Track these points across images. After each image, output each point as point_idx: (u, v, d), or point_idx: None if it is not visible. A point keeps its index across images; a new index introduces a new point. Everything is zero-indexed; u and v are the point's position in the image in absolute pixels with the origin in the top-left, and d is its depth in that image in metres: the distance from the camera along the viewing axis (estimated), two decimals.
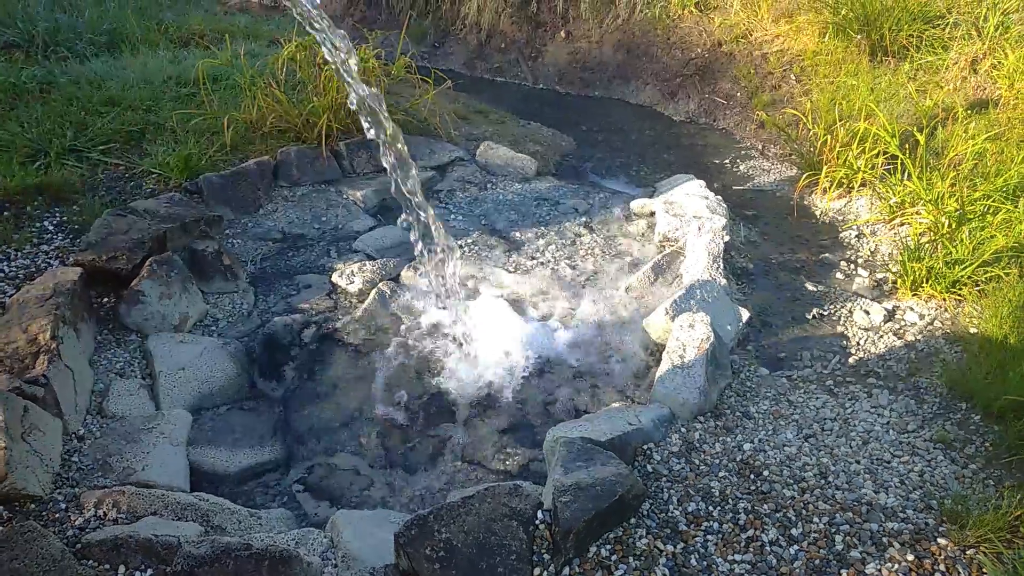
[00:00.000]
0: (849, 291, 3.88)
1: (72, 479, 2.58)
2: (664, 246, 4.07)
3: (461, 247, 4.06)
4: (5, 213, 3.86)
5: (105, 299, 3.41)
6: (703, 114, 6.40)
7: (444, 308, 3.50)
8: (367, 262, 3.82)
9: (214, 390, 3.11)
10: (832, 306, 3.74)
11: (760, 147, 5.80)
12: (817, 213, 4.75)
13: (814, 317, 3.67)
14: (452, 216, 4.37)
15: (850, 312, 3.67)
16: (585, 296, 3.72)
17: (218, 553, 2.13)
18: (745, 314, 3.46)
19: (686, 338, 3.03)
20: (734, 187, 5.19)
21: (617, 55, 7.03)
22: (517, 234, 4.21)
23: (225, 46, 5.45)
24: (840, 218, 4.63)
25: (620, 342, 3.42)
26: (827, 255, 4.23)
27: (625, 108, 6.69)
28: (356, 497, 2.77)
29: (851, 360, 3.34)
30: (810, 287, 3.90)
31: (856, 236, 4.39)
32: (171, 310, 3.33)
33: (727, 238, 3.99)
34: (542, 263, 3.97)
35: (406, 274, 3.78)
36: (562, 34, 7.43)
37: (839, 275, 4.04)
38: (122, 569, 2.19)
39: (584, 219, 4.37)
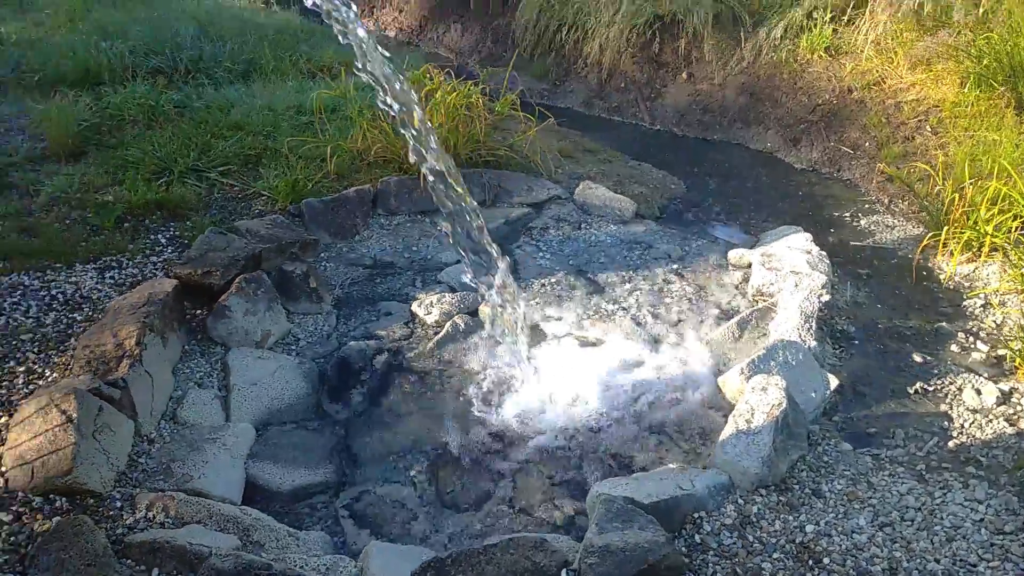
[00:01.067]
0: (962, 366, 3.53)
1: (135, 479, 2.71)
2: (757, 300, 3.87)
3: (542, 286, 4.02)
4: (125, 225, 4.17)
5: (198, 311, 3.60)
6: (826, 163, 6.09)
7: (514, 347, 3.45)
8: (447, 294, 3.85)
9: (283, 407, 3.20)
10: (939, 381, 3.42)
11: (886, 201, 5.45)
12: (940, 277, 4.38)
13: (916, 392, 3.36)
14: (540, 254, 4.34)
15: (959, 390, 3.34)
16: (662, 347, 3.58)
17: (240, 569, 2.16)
18: (834, 381, 3.22)
19: (756, 402, 2.85)
20: (851, 243, 4.88)
21: (739, 99, 6.84)
22: (603, 277, 4.13)
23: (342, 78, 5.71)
24: (966, 284, 4.26)
25: (692, 398, 3.26)
26: (943, 324, 3.88)
27: (743, 153, 6.47)
28: (398, 529, 2.76)
29: (951, 444, 3.03)
30: (917, 358, 3.58)
31: (981, 306, 4.01)
32: (255, 326, 3.47)
33: (826, 297, 3.75)
34: (623, 308, 3.86)
35: (484, 309, 3.77)
36: (684, 75, 7.32)
37: (954, 347, 3.69)
38: (156, 572, 2.27)
39: (676, 266, 4.23)
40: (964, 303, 4.08)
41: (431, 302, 3.78)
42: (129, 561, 2.30)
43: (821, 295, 3.72)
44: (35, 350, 3.15)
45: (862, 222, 5.16)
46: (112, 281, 3.70)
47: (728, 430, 2.80)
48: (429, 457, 3.06)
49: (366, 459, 3.07)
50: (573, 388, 3.28)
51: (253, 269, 3.72)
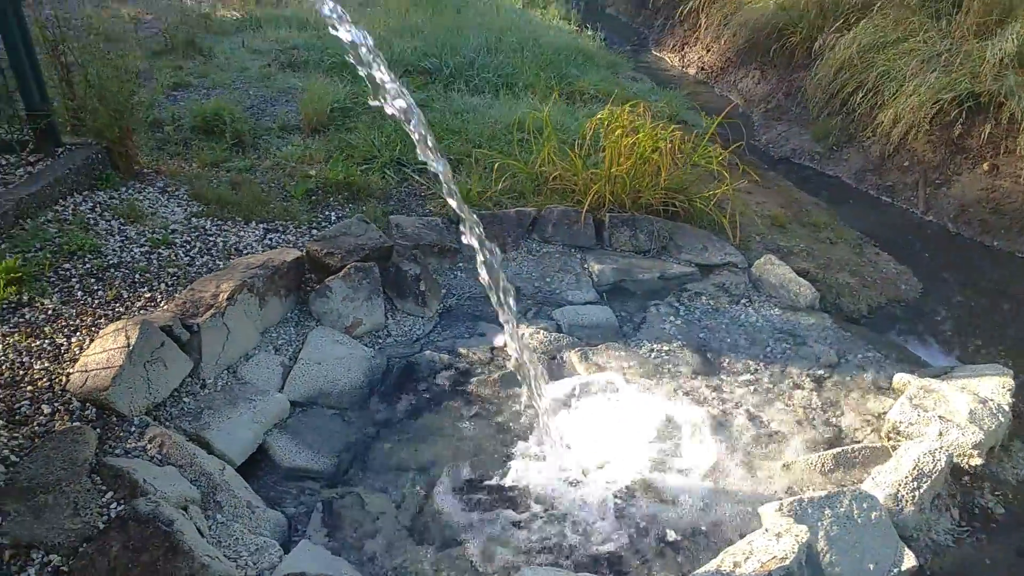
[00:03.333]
0: None
1: (167, 412, 3.02)
2: (889, 438, 3.17)
3: (651, 351, 3.69)
4: (313, 198, 4.64)
5: (318, 285, 3.88)
6: None
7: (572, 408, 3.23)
8: (543, 331, 3.71)
9: (333, 391, 3.34)
10: None
11: None
12: None
13: None
14: (673, 319, 3.98)
15: None
16: (736, 452, 3.09)
17: (147, 518, 2.32)
18: (909, 560, 2.53)
19: (760, 546, 2.35)
20: None
21: None
22: (726, 361, 3.68)
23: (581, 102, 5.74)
24: None
25: (730, 519, 2.78)
26: None
27: (1022, 269, 5.31)
28: (352, 539, 2.74)
29: None
30: None
31: None
32: (349, 312, 3.66)
33: (976, 461, 2.96)
34: (723, 399, 3.40)
35: (573, 356, 3.57)
36: (985, 166, 6.18)
37: None
38: (109, 495, 2.51)
39: (821, 372, 3.62)
40: None
41: (523, 334, 3.67)
42: (97, 478, 2.57)
43: (966, 456, 2.94)
44: (168, 282, 3.65)
45: None
46: (269, 242, 4.14)
47: (709, 565, 2.34)
48: (430, 485, 2.98)
49: (378, 464, 3.09)
50: (608, 472, 2.97)
51: (383, 260, 3.91)
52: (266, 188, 4.66)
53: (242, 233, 4.16)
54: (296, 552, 2.51)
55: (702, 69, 9.58)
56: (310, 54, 7.00)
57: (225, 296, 3.34)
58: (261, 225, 4.27)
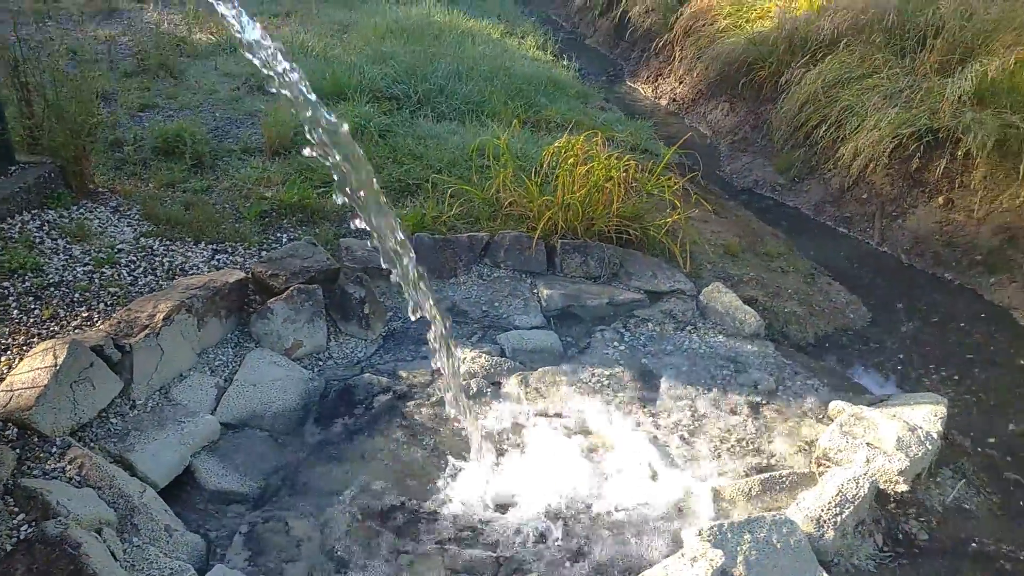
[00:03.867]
0: None
1: (94, 434, 3.00)
2: (819, 463, 3.18)
3: (592, 375, 3.70)
4: (266, 219, 4.65)
5: (261, 307, 3.88)
6: None
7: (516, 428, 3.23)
8: (484, 355, 3.71)
9: (267, 414, 3.33)
10: None
11: None
12: None
13: None
14: (617, 344, 3.99)
15: None
16: (667, 477, 3.09)
17: (54, 540, 2.30)
18: None
19: (675, 570, 2.35)
20: None
21: (994, 239, 5.69)
22: (666, 386, 3.69)
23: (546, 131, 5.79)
24: None
25: (648, 543, 2.78)
26: None
27: (972, 302, 5.36)
28: (273, 563, 2.71)
29: None
30: None
31: None
32: (289, 334, 3.66)
33: (903, 487, 2.98)
34: (656, 424, 3.41)
35: (510, 381, 3.58)
36: (940, 200, 6.27)
37: None
38: (21, 516, 2.49)
39: (758, 399, 3.63)
40: None
41: (465, 359, 3.67)
42: (10, 499, 2.55)
43: (892, 482, 2.95)
44: (108, 302, 3.64)
45: None
46: (216, 263, 4.14)
47: None
48: (357, 509, 2.96)
49: (307, 487, 3.07)
50: (526, 490, 2.97)
51: (328, 283, 3.92)
52: (220, 209, 4.67)
53: (190, 254, 4.16)
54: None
55: (674, 100, 9.70)
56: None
57: (161, 316, 3.34)
58: (211, 246, 4.28)
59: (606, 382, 3.68)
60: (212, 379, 3.42)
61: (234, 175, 5.12)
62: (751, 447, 3.33)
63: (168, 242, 4.23)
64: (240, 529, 2.83)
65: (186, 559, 2.62)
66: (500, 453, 3.19)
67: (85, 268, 3.83)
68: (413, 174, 5.26)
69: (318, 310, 3.75)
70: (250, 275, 3.86)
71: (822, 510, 2.75)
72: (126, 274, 3.88)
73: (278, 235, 4.51)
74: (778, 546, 2.57)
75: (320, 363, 3.69)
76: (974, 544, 2.97)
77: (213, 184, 5.00)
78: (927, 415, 3.36)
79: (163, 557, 2.56)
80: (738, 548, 2.54)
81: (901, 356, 4.54)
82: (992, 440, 3.76)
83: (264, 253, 4.27)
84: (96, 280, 3.76)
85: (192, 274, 3.92)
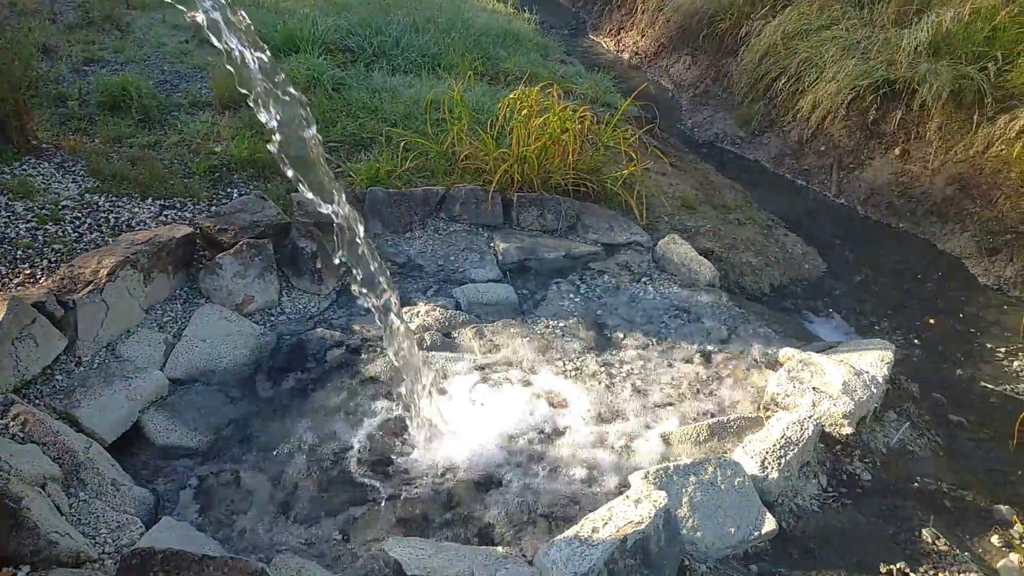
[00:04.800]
0: (985, 565, 2.67)
1: (39, 391, 2.95)
2: (767, 408, 3.24)
3: (547, 327, 3.71)
4: (216, 174, 4.54)
5: (210, 262, 3.81)
6: (1018, 285, 4.93)
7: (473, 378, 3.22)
8: (439, 309, 3.70)
9: (218, 369, 3.29)
10: (933, 572, 2.63)
11: None
12: None
13: (887, 574, 2.60)
14: (573, 296, 4.00)
15: None
16: (615, 424, 3.13)
17: None
18: (769, 524, 2.59)
19: (620, 512, 2.38)
20: (977, 384, 3.91)
21: (947, 189, 5.76)
22: (620, 336, 3.71)
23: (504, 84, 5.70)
24: None
25: (605, 488, 2.81)
26: (1006, 507, 2.97)
27: (924, 251, 5.45)
28: (223, 515, 2.71)
29: None
30: (927, 537, 2.77)
31: None
32: (239, 289, 3.60)
33: (847, 430, 3.04)
34: (611, 374, 3.44)
35: (465, 334, 3.57)
36: (897, 151, 6.32)
37: (994, 539, 2.81)
38: None
39: (711, 347, 3.67)
40: None
41: (419, 312, 3.65)
42: None
43: (837, 425, 3.01)
44: (52, 259, 3.55)
45: (1015, 364, 4.09)
46: (164, 219, 4.05)
47: (569, 531, 2.37)
48: (311, 461, 2.95)
49: (258, 441, 3.05)
50: (479, 440, 2.98)
51: (279, 238, 3.86)
52: (168, 164, 4.56)
53: (136, 210, 4.07)
54: (156, 529, 2.47)
55: (636, 54, 9.63)
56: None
57: (106, 272, 3.27)
58: (158, 202, 4.18)
59: (561, 333, 3.68)
60: (160, 335, 3.36)
61: (182, 129, 5.00)
62: (702, 394, 3.37)
63: (114, 198, 4.13)
64: (190, 483, 2.81)
65: (134, 512, 2.60)
66: (453, 404, 3.18)
67: (28, 225, 3.73)
68: (367, 128, 5.17)
69: (269, 265, 3.69)
70: (198, 230, 3.78)
71: (767, 452, 2.80)
72: (71, 231, 3.78)
73: (228, 190, 4.42)
74: (723, 487, 2.61)
75: (272, 318, 3.65)
76: (916, 483, 3.05)
77: (161, 139, 4.87)
78: (874, 360, 3.42)
79: (110, 511, 2.54)
80: (683, 490, 2.59)
81: (854, 305, 4.61)
82: (939, 385, 3.85)
83: (213, 208, 4.18)
84: (39, 237, 3.66)
85: (139, 230, 3.83)
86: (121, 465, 2.80)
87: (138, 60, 6.13)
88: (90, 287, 3.19)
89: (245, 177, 4.56)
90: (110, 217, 3.95)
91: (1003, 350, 4.20)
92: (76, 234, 3.77)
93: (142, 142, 4.78)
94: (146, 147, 4.72)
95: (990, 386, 3.88)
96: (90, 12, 6.92)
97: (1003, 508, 2.97)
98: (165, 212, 4.10)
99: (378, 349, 3.49)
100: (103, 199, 4.09)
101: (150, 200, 4.17)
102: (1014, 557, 2.71)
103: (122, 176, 4.28)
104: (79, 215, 3.92)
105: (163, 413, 3.05)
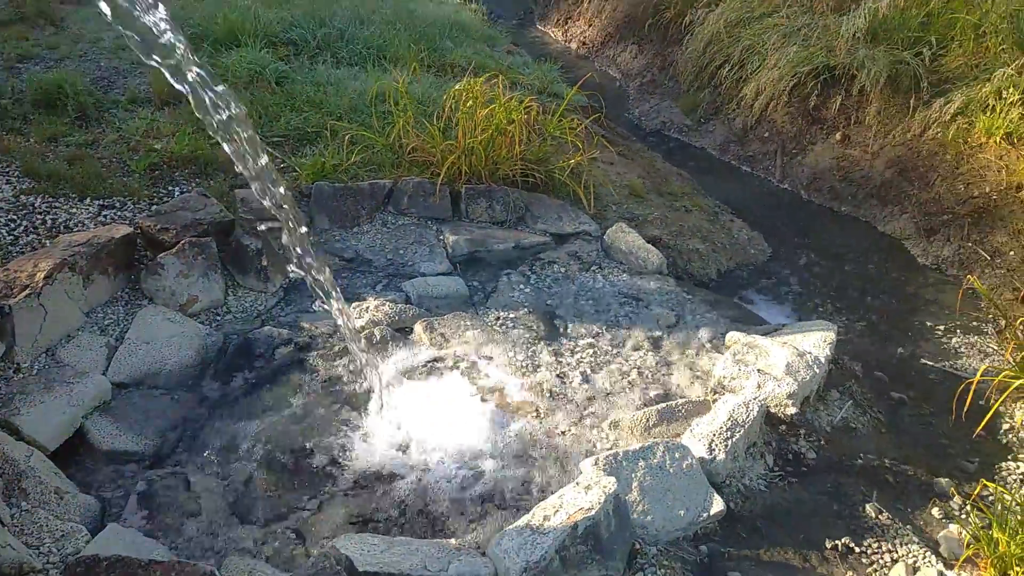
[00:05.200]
0: (924, 537, 2.77)
1: None
2: (715, 391, 3.30)
3: (496, 319, 3.72)
4: (156, 172, 4.45)
5: (151, 263, 3.74)
6: (955, 264, 5.08)
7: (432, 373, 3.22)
8: (389, 304, 3.68)
9: (162, 371, 3.23)
10: (877, 545, 2.71)
11: (1002, 324, 4.43)
12: (1003, 428, 3.49)
13: (835, 549, 2.68)
14: (523, 287, 4.02)
15: (892, 562, 2.61)
16: (568, 413, 3.16)
17: None
18: (718, 505, 2.64)
19: (570, 499, 2.41)
20: (917, 361, 4.03)
21: (886, 172, 5.91)
22: (570, 327, 3.74)
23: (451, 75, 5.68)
24: None
25: (557, 477, 2.84)
26: (944, 480, 3.08)
27: (865, 233, 5.58)
28: (173, 520, 2.66)
29: None
30: (870, 511, 2.85)
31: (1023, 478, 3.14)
32: (183, 289, 3.54)
33: (792, 410, 3.11)
34: (560, 363, 3.46)
35: (418, 327, 3.57)
36: (838, 136, 6.46)
37: (935, 511, 2.91)
38: None
39: (659, 333, 3.72)
40: (1002, 464, 3.20)
41: (368, 307, 3.64)
42: None
43: (782, 406, 3.09)
44: None
45: (952, 341, 4.23)
46: (103, 220, 3.96)
47: (520, 521, 2.39)
48: (259, 462, 2.92)
49: (206, 443, 3.01)
50: (430, 434, 2.99)
51: (222, 236, 3.80)
52: (106, 163, 4.45)
53: (74, 210, 3.97)
54: (102, 536, 2.43)
55: (584, 44, 9.67)
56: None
57: (42, 275, 3.18)
58: (97, 202, 4.09)
59: (511, 324, 3.70)
60: (102, 339, 3.29)
61: (121, 127, 4.88)
62: (651, 380, 3.42)
63: (51, 199, 4.02)
64: (137, 488, 2.76)
65: (79, 520, 2.55)
66: (404, 399, 3.18)
67: None
68: (312, 122, 5.11)
69: (212, 264, 3.64)
70: (138, 230, 3.70)
71: (714, 435, 2.86)
72: (5, 233, 3.68)
73: (170, 188, 4.34)
74: (671, 471, 2.66)
75: (218, 318, 3.60)
76: (860, 460, 3.14)
77: (99, 137, 4.76)
78: (817, 341, 3.51)
79: (54, 520, 2.49)
80: (633, 475, 2.63)
81: (798, 288, 4.72)
82: (880, 363, 3.96)
83: (154, 207, 4.10)
84: None
85: (77, 231, 3.74)
86: (65, 473, 2.74)
87: (74, 56, 5.97)
88: (27, 291, 3.11)
89: (187, 175, 4.48)
90: (47, 219, 3.85)
91: (942, 328, 4.33)
92: (11, 237, 3.67)
93: (79, 141, 4.66)
94: (83, 146, 4.60)
95: (930, 363, 4.00)
96: (22, 7, 6.70)
97: (943, 481, 3.07)
98: (104, 212, 4.01)
99: (328, 346, 3.47)
100: (39, 200, 3.98)
101: (88, 200, 4.07)
102: (953, 528, 2.81)
103: (58, 176, 4.17)
104: (14, 217, 3.81)
105: (107, 418, 2.99)
